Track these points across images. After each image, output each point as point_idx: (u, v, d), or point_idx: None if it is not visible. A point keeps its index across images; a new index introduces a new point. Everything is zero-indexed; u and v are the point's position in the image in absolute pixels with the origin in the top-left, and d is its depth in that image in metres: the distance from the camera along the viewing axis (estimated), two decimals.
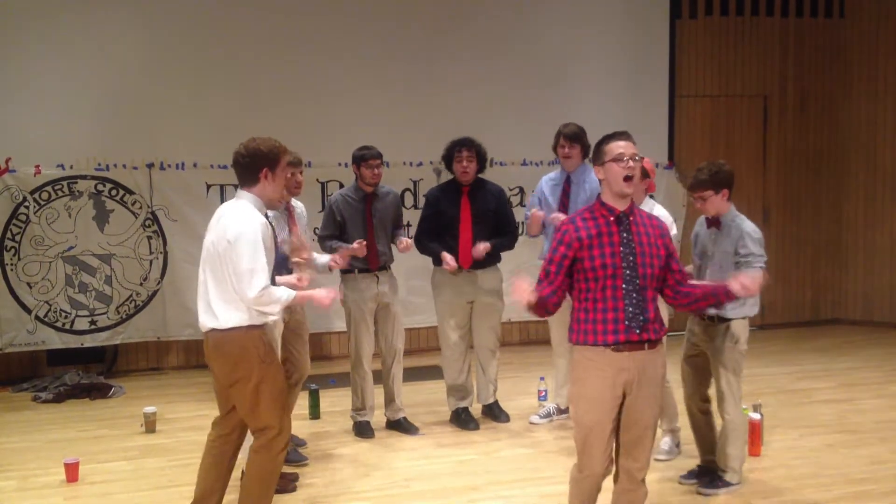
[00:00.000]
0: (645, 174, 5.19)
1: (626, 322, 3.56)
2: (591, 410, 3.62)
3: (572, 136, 5.82)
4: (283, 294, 3.96)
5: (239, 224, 3.87)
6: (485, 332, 6.09)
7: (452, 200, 5.94)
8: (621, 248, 3.58)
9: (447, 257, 5.81)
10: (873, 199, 9.32)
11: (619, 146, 3.63)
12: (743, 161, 9.00)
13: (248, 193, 4.02)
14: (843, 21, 9.30)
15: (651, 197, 5.25)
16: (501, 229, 5.96)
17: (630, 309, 3.56)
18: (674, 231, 5.13)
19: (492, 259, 5.97)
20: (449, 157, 5.94)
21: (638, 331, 3.57)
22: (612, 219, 3.62)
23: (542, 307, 3.60)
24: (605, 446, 3.64)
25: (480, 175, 6.00)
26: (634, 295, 3.57)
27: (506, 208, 6.07)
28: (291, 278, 4.43)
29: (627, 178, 3.59)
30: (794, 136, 9.34)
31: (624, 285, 3.57)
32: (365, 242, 5.61)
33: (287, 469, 5.15)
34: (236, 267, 3.84)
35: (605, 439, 3.63)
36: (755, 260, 4.54)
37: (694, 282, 3.89)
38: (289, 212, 5.33)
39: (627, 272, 3.57)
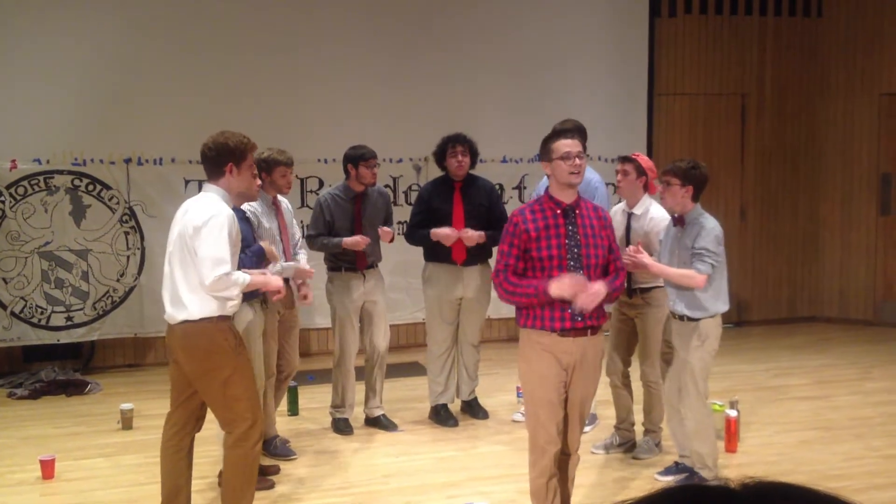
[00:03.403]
0: (641, 172, 5.19)
1: (571, 311, 3.81)
2: (540, 387, 3.91)
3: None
4: (241, 277, 3.95)
5: (206, 212, 3.89)
6: (470, 328, 6.10)
7: (445, 196, 5.93)
8: (567, 241, 3.84)
9: (441, 231, 5.77)
10: (850, 198, 9.38)
11: (566, 144, 3.90)
12: (721, 159, 9.04)
13: (214, 186, 4.05)
14: (820, 20, 9.36)
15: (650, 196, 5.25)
16: (493, 224, 5.90)
17: None
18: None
19: (482, 255, 5.97)
20: (442, 153, 5.91)
21: (581, 319, 3.84)
22: (559, 212, 3.88)
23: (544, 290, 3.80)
24: (555, 418, 3.90)
25: (471, 171, 6.01)
26: None
27: (498, 204, 6.08)
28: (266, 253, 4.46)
29: (574, 173, 3.86)
30: (771, 135, 9.40)
31: None
32: (369, 240, 5.62)
33: (267, 461, 5.14)
34: (199, 252, 3.85)
35: (554, 411, 3.91)
36: (707, 255, 4.49)
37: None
38: (276, 207, 5.34)
39: (572, 263, 3.83)
